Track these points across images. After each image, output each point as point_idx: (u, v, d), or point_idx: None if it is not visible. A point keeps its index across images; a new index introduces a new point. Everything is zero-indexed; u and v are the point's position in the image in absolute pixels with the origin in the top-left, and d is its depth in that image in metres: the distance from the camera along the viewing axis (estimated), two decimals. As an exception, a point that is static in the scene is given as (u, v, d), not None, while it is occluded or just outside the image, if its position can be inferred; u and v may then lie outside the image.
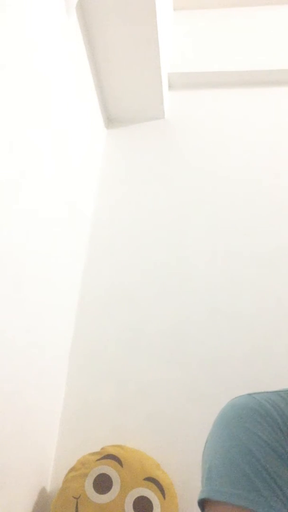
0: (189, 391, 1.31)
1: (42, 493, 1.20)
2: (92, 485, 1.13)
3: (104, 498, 1.11)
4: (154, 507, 1.10)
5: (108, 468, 1.14)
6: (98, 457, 1.17)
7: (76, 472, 1.16)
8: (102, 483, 1.13)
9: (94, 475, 1.14)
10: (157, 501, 1.10)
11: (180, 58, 1.90)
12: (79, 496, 1.11)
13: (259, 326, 1.36)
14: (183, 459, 1.22)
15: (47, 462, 1.26)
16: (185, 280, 1.48)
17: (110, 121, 1.85)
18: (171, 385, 1.32)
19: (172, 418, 1.28)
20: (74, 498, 1.11)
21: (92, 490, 1.12)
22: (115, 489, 1.12)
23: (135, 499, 1.10)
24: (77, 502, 1.11)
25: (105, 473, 1.14)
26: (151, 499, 1.11)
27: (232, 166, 1.68)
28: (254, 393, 0.55)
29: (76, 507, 1.10)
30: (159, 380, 1.33)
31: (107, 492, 1.11)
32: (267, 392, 0.55)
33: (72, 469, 1.18)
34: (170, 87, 1.89)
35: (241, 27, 1.96)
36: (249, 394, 0.54)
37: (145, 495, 1.11)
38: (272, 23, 1.93)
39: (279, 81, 1.84)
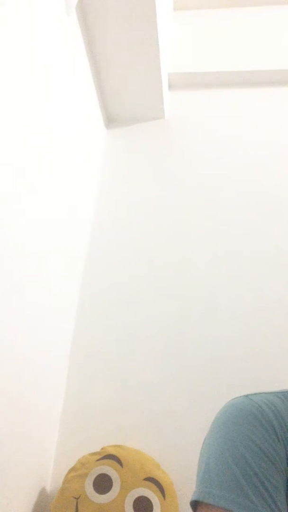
0: (189, 391, 1.31)
1: (42, 493, 1.20)
2: (92, 485, 1.13)
3: (104, 498, 1.11)
4: (154, 507, 1.10)
5: (108, 468, 1.14)
6: (98, 457, 1.17)
7: (76, 472, 1.16)
8: (102, 483, 1.13)
9: (94, 475, 1.14)
10: (157, 501, 1.10)
11: (180, 58, 1.90)
12: (79, 496, 1.11)
13: (259, 326, 1.36)
14: (183, 459, 1.22)
15: (47, 462, 1.26)
16: (185, 280, 1.48)
17: (110, 121, 1.85)
18: (171, 385, 1.32)
19: (172, 418, 1.28)
20: (74, 498, 1.11)
21: (92, 490, 1.12)
22: (115, 489, 1.12)
23: (135, 499, 1.10)
24: (77, 502, 1.11)
25: (105, 473, 1.14)
26: (151, 499, 1.10)
27: (232, 166, 1.68)
28: (252, 394, 0.54)
29: (76, 507, 1.10)
30: (159, 380, 1.33)
31: (107, 492, 1.11)
32: (265, 393, 0.55)
33: (72, 469, 1.18)
34: (170, 87, 1.89)
35: (241, 27, 1.96)
36: (246, 396, 0.54)
37: (145, 495, 1.11)
38: (272, 23, 1.93)
39: (279, 81, 1.84)
